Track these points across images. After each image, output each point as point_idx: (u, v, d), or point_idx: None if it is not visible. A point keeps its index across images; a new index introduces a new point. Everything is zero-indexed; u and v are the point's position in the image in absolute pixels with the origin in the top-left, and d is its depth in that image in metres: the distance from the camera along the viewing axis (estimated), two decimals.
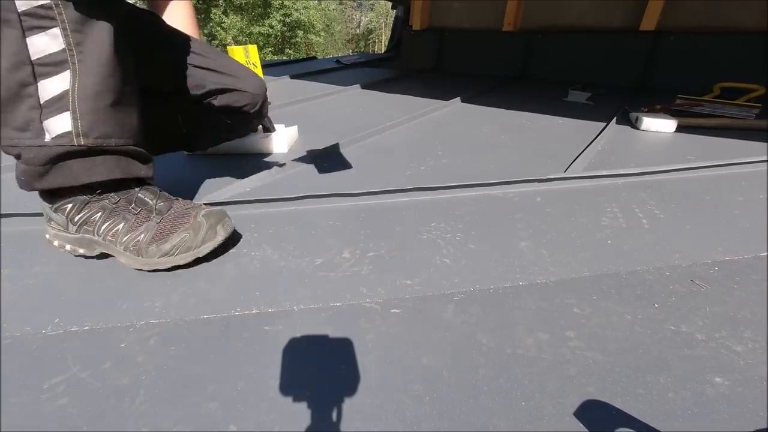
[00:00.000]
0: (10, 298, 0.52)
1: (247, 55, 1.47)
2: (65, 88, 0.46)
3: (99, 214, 0.55)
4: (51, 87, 0.46)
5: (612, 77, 1.94)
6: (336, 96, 1.70)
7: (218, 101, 0.74)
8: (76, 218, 0.55)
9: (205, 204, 0.62)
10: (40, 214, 0.69)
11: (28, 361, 0.43)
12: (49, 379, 0.41)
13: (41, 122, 0.47)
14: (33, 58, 0.44)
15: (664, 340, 0.45)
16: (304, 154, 0.98)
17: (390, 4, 2.96)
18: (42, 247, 0.64)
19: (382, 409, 0.38)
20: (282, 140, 1.04)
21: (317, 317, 0.49)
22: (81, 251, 0.58)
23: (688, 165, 0.87)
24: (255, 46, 1.50)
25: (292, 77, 2.05)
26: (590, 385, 0.40)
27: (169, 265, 0.56)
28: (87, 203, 0.55)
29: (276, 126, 1.04)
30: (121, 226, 0.55)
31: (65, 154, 0.49)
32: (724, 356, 0.43)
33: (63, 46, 0.45)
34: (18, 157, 0.48)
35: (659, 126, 1.20)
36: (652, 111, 1.32)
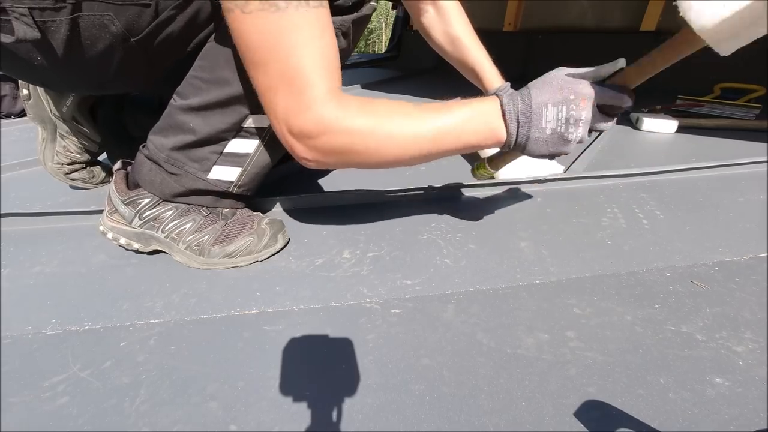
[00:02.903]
0: (10, 298, 0.53)
1: None
2: (248, 152, 0.57)
3: (170, 213, 0.57)
4: (239, 146, 0.56)
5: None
6: None
7: None
8: (147, 213, 0.57)
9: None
10: (40, 214, 0.69)
11: (28, 360, 0.43)
12: (49, 379, 0.41)
13: (213, 164, 0.56)
14: (244, 125, 0.54)
15: (665, 341, 0.45)
16: None
17: (390, 4, 2.96)
18: (42, 247, 0.64)
19: (382, 409, 0.38)
20: None
21: (317, 317, 0.49)
22: (136, 246, 0.59)
23: (689, 165, 0.87)
24: None
25: None
26: (590, 386, 0.40)
27: (228, 266, 0.58)
28: (162, 201, 0.57)
29: None
30: (188, 225, 0.57)
31: (212, 191, 0.58)
32: (724, 357, 0.43)
33: (266, 126, 0.55)
34: (170, 173, 0.55)
35: (660, 126, 1.20)
36: (653, 111, 1.32)
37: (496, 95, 0.49)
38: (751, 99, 1.44)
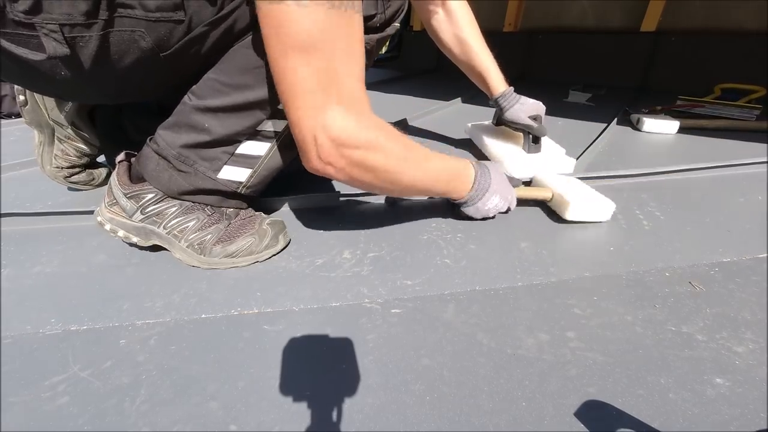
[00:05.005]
0: (10, 298, 0.53)
1: None
2: (260, 155, 0.57)
3: (174, 209, 0.57)
4: (251, 148, 0.56)
5: (613, 78, 1.94)
6: None
7: None
8: (150, 209, 0.56)
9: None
10: (40, 214, 0.69)
11: (28, 360, 0.43)
12: (49, 379, 0.41)
13: (224, 164, 0.56)
14: (260, 128, 0.55)
15: (665, 341, 0.45)
16: None
17: None
18: (42, 247, 0.64)
19: (382, 409, 0.38)
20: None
21: (318, 317, 0.49)
22: (134, 240, 0.58)
23: (688, 166, 0.87)
24: None
25: None
26: (591, 386, 0.40)
27: (229, 266, 0.58)
28: (167, 197, 0.57)
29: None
30: (192, 223, 0.57)
31: (220, 191, 0.58)
32: (724, 357, 0.43)
33: (280, 130, 0.56)
34: (179, 170, 0.55)
35: (661, 127, 1.20)
36: (653, 112, 1.32)
37: (473, 167, 0.63)
38: (751, 100, 1.44)
